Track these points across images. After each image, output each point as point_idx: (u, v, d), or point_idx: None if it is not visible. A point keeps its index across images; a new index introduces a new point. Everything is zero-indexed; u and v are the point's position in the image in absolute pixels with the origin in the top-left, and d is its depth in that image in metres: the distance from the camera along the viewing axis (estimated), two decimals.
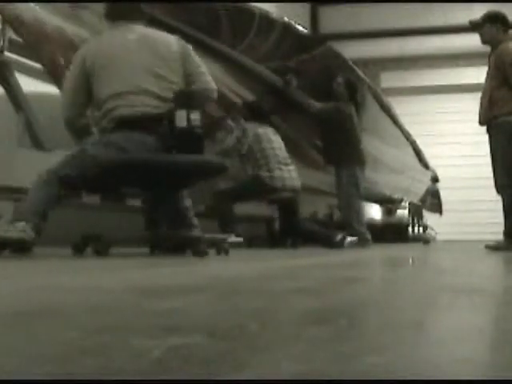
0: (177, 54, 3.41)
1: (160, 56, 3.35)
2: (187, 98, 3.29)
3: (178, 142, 3.21)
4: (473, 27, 5.36)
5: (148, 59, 3.31)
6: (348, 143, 6.22)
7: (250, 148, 5.66)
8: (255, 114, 5.81)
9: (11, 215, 3.21)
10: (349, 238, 5.71)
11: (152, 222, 3.59)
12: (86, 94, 3.32)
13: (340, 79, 6.38)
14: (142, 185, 3.54)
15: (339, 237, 5.64)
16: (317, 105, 6.30)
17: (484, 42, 5.31)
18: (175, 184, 3.47)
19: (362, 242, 6.06)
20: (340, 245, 5.56)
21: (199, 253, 3.27)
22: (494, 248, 5.10)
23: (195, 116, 3.22)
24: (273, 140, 5.80)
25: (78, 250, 3.33)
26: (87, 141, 3.30)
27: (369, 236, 6.26)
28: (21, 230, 2.97)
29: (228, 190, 5.72)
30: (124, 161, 3.16)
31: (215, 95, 3.54)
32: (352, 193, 6.23)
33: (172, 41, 3.48)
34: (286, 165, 5.78)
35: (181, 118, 3.18)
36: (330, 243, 5.58)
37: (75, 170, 3.13)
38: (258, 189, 5.63)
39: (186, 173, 3.37)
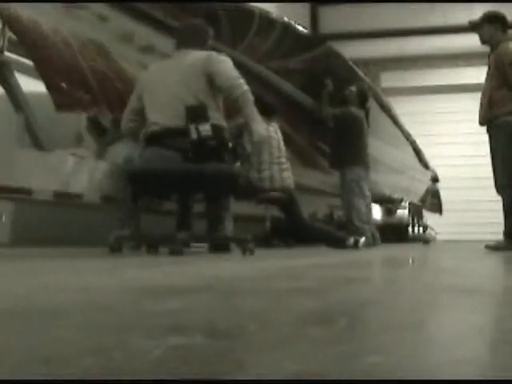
0: (197, 68, 3.71)
1: (182, 78, 3.69)
2: (195, 111, 3.55)
3: (193, 154, 3.52)
4: (472, 27, 5.36)
5: (172, 83, 3.70)
6: (355, 147, 6.29)
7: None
8: (264, 110, 5.77)
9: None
10: (361, 240, 5.70)
11: (183, 223, 3.84)
12: (136, 112, 3.89)
13: (353, 87, 6.53)
14: (158, 191, 3.95)
15: (352, 240, 5.64)
16: (329, 110, 6.40)
17: (483, 42, 5.31)
18: (186, 191, 3.77)
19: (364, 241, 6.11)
20: (354, 247, 5.56)
21: (248, 251, 3.62)
22: (494, 248, 5.10)
23: (204, 127, 3.49)
24: (272, 137, 5.75)
25: (114, 249, 3.53)
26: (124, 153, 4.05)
27: (369, 234, 6.29)
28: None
29: None
30: (138, 171, 3.67)
31: (241, 88, 3.70)
32: (354, 191, 6.28)
33: (199, 57, 3.77)
34: (279, 164, 5.74)
35: (192, 132, 3.48)
36: (342, 245, 5.59)
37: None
38: (246, 189, 5.54)
39: (192, 181, 3.63)
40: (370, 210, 6.74)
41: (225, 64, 3.75)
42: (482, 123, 5.30)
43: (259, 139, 3.68)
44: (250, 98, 3.70)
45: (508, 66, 5.05)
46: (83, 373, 0.60)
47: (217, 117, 3.66)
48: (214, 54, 3.81)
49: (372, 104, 6.99)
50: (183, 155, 3.52)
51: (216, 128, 3.54)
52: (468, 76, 12.57)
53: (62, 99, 4.26)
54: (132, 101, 3.93)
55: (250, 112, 3.68)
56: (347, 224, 6.34)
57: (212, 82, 3.68)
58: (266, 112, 5.76)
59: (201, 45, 3.89)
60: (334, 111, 6.43)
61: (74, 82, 4.39)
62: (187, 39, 3.92)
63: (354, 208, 6.30)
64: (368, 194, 6.50)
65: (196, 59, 3.74)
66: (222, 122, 3.72)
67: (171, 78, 3.71)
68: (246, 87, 3.70)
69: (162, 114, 3.64)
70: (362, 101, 6.54)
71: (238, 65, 5.70)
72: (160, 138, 3.59)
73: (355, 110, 6.40)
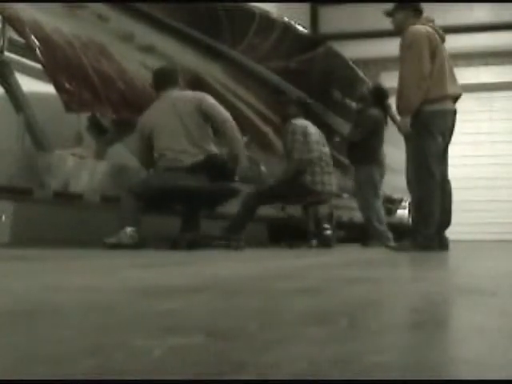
0: (191, 107, 4.55)
1: (179, 115, 4.52)
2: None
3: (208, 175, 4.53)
4: (387, 15, 5.17)
5: (173, 121, 4.54)
6: (370, 146, 6.30)
7: (295, 148, 5.72)
8: (303, 110, 5.93)
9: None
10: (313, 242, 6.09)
11: (188, 225, 4.80)
12: (146, 148, 4.71)
13: (370, 85, 6.60)
14: (175, 201, 4.82)
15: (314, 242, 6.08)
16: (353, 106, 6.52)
17: (395, 28, 5.10)
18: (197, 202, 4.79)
19: (383, 241, 6.11)
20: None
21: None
22: (395, 248, 5.04)
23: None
24: (320, 141, 5.91)
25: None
26: (150, 173, 4.78)
27: (390, 235, 6.30)
28: (130, 234, 4.20)
29: (262, 190, 5.76)
30: (164, 186, 4.47)
31: (228, 121, 4.56)
32: (370, 193, 6.29)
33: (189, 97, 4.63)
34: (328, 166, 5.92)
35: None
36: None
37: (141, 191, 4.41)
38: (298, 191, 5.74)
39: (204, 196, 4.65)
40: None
41: (215, 105, 4.60)
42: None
43: (244, 169, 4.71)
44: (236, 131, 4.61)
45: (406, 47, 4.85)
46: (83, 373, 0.60)
47: (213, 148, 4.59)
48: (203, 96, 4.63)
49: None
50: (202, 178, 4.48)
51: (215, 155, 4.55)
52: (468, 76, 12.55)
53: (71, 100, 4.27)
54: (140, 148, 4.78)
55: (237, 144, 4.59)
56: (366, 225, 6.39)
57: (206, 119, 4.57)
58: (304, 111, 5.93)
59: (176, 84, 4.75)
60: (357, 108, 6.54)
61: (81, 83, 4.41)
62: (163, 83, 4.69)
63: (373, 210, 6.31)
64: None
65: (185, 99, 4.59)
66: (215, 150, 4.61)
67: (173, 122, 4.53)
68: (233, 122, 4.57)
69: (174, 151, 4.50)
70: (380, 99, 6.48)
71: (238, 65, 5.73)
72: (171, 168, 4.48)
73: (374, 112, 6.36)
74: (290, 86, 6.38)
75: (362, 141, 6.27)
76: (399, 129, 5.14)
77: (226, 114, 4.60)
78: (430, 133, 4.82)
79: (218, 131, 4.67)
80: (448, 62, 4.99)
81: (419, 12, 5.09)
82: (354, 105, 6.75)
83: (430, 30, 4.94)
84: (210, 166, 4.47)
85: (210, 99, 4.64)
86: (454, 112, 4.99)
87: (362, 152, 6.28)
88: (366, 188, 6.29)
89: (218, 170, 4.48)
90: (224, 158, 4.56)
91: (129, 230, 4.21)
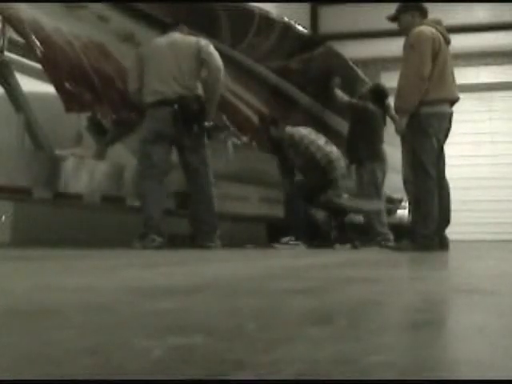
0: (190, 51, 4.65)
1: (176, 56, 4.62)
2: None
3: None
4: (392, 20, 5.20)
5: (169, 61, 4.61)
6: (369, 142, 6.31)
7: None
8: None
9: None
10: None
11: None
12: (139, 78, 4.69)
13: (368, 85, 6.67)
14: None
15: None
16: (346, 97, 6.49)
17: (401, 30, 5.14)
18: None
19: (383, 242, 6.11)
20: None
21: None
22: (395, 249, 5.01)
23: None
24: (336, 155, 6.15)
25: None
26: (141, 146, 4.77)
27: (391, 236, 6.29)
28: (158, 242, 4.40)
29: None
30: None
31: (220, 72, 4.68)
32: (372, 194, 6.28)
33: (191, 41, 4.71)
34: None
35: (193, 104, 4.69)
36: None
37: (147, 165, 4.66)
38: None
39: None
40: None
41: (212, 54, 4.65)
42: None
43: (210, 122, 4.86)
44: (220, 89, 4.83)
45: (409, 47, 4.86)
46: (83, 373, 0.60)
47: (198, 86, 4.68)
48: (201, 41, 4.69)
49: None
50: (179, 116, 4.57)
51: (197, 97, 4.65)
52: (468, 76, 12.54)
53: (71, 100, 4.28)
54: (133, 76, 4.72)
55: (213, 100, 4.74)
56: (368, 227, 6.39)
57: (201, 65, 4.67)
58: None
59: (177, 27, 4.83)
60: (350, 99, 6.54)
61: (81, 83, 4.41)
62: (170, 24, 4.80)
63: (375, 211, 6.31)
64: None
65: (187, 43, 4.67)
66: (200, 91, 4.68)
67: (170, 58, 4.60)
68: (221, 79, 4.73)
69: (163, 87, 4.57)
70: (378, 98, 6.50)
71: (238, 65, 5.73)
72: (170, 104, 4.55)
73: (370, 105, 6.40)
74: (290, 85, 6.39)
75: (361, 139, 6.27)
76: (396, 128, 5.15)
77: (219, 63, 4.68)
78: (426, 134, 4.84)
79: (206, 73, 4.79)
80: (450, 64, 5.00)
81: (424, 12, 5.11)
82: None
83: (435, 31, 4.95)
84: (183, 104, 4.54)
85: (210, 48, 4.69)
86: (451, 114, 5.02)
87: (363, 150, 6.28)
88: (369, 190, 6.28)
89: (188, 110, 4.56)
90: (198, 99, 4.62)
91: (154, 238, 4.37)
